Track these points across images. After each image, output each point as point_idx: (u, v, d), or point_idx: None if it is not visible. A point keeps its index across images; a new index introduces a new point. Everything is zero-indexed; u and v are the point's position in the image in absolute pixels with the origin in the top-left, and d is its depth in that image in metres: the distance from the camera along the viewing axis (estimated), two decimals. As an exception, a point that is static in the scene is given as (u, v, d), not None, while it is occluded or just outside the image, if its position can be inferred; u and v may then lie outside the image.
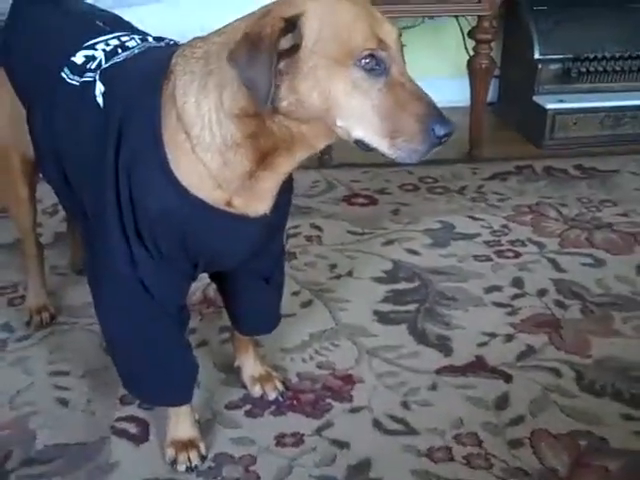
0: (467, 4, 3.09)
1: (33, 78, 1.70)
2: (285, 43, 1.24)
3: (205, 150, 1.36)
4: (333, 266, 2.43)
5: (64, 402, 1.83)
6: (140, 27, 1.82)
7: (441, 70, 3.74)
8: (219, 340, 2.05)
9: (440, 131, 1.23)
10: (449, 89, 3.57)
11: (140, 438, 1.73)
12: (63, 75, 1.60)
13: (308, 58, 1.25)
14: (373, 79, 1.24)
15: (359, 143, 1.29)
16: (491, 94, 3.50)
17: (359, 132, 1.27)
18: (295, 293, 2.27)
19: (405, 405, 1.83)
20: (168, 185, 1.38)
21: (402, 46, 1.30)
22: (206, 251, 1.49)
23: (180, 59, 1.39)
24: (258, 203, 1.43)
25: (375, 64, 1.24)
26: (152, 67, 1.45)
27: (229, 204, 1.41)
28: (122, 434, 1.73)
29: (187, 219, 1.41)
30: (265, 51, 1.22)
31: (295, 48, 1.25)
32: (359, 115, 1.26)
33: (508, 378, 1.91)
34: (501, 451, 1.68)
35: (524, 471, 1.63)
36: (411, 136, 1.23)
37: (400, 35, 1.30)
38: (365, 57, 1.23)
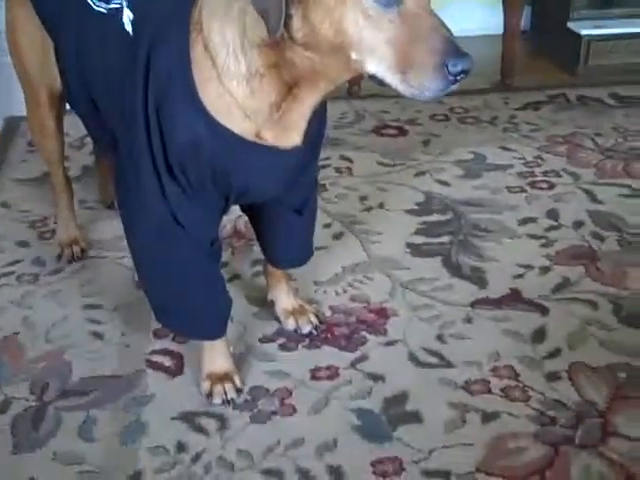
0: None
1: (59, 8, 1.66)
2: None
3: (231, 79, 1.33)
4: (364, 198, 2.39)
5: (98, 335, 1.83)
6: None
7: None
8: (251, 273, 2.04)
9: (456, 67, 1.14)
10: (481, 16, 3.49)
11: (175, 371, 1.72)
12: (89, 2, 1.55)
13: None
14: (385, 9, 1.17)
15: (373, 78, 1.23)
16: (524, 22, 3.40)
17: (371, 66, 1.21)
18: (326, 225, 2.24)
19: (440, 338, 1.81)
20: (197, 114, 1.35)
21: None
22: (237, 183, 1.46)
23: None
24: (288, 135, 1.40)
25: None
26: None
27: (259, 136, 1.38)
28: (157, 367, 1.73)
29: (216, 150, 1.38)
30: None
31: None
32: (370, 48, 1.19)
33: (544, 311, 1.89)
34: (539, 384, 1.67)
35: (562, 403, 1.61)
36: (424, 71, 1.16)
37: None
38: None
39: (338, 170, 2.55)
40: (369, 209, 2.33)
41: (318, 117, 1.46)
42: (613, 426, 1.56)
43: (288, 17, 1.21)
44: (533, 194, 2.41)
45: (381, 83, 1.23)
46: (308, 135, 1.43)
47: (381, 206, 2.35)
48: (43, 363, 1.74)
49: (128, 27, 1.47)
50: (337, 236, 2.20)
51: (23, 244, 2.18)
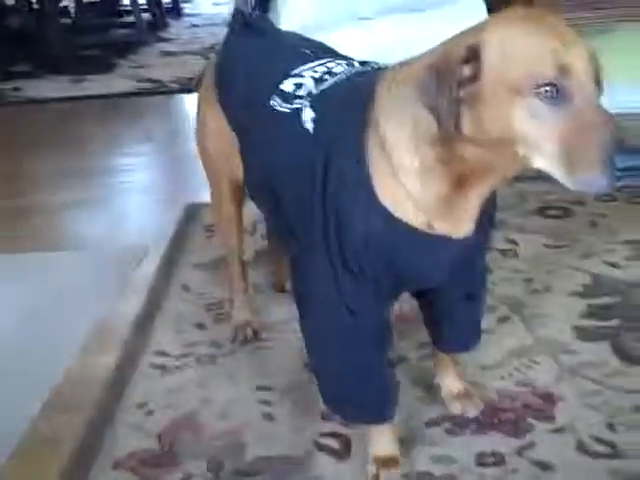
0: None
1: (244, 108, 1.79)
2: (466, 71, 1.26)
3: (405, 174, 1.40)
4: (529, 280, 2.39)
5: (269, 416, 1.91)
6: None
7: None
8: (417, 356, 2.07)
9: (622, 164, 1.18)
10: None
11: (342, 453, 1.77)
12: (273, 103, 1.67)
13: (488, 87, 1.26)
14: (552, 109, 1.22)
15: (541, 172, 1.27)
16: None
17: (539, 161, 1.26)
18: (491, 308, 2.24)
19: (611, 427, 1.77)
20: (373, 208, 1.43)
21: (597, 68, 1.26)
22: (409, 272, 1.52)
23: (384, 84, 1.44)
24: (458, 225, 1.45)
25: (555, 93, 1.22)
26: (358, 92, 1.50)
27: (430, 226, 1.43)
28: (325, 449, 1.78)
29: (391, 242, 1.45)
30: (446, 79, 1.25)
31: (476, 76, 1.26)
32: (537, 144, 1.24)
33: None
34: None
35: None
36: (590, 168, 1.20)
37: (594, 57, 1.26)
38: (543, 86, 1.22)
39: (503, 252, 2.56)
40: (535, 291, 2.33)
41: (489, 205, 1.50)
42: None
43: (458, 114, 1.28)
44: None
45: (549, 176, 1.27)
46: (479, 222, 1.48)
47: (547, 289, 2.34)
48: (219, 442, 1.83)
49: (309, 125, 1.57)
50: (502, 319, 2.20)
51: (200, 326, 2.32)
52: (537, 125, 1.23)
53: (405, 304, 2.19)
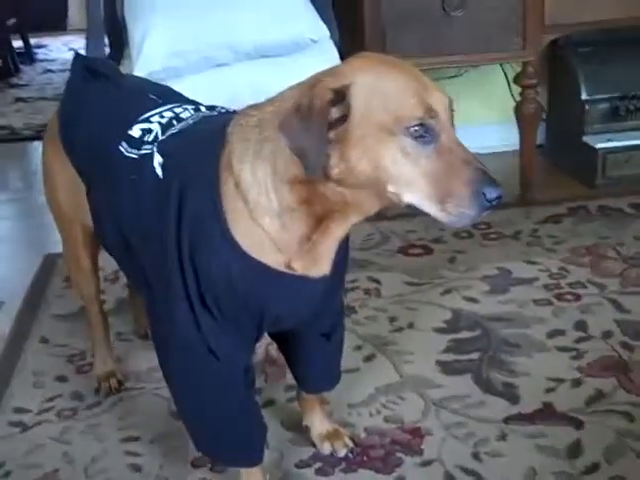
0: (511, 51, 3.11)
1: (91, 154, 1.76)
2: (334, 113, 1.28)
3: (263, 215, 1.39)
4: (393, 319, 2.43)
5: (137, 467, 1.85)
6: (192, 96, 1.88)
7: (489, 117, 3.75)
8: (285, 399, 2.06)
9: (491, 194, 1.25)
10: (498, 134, 3.60)
11: (213, 501, 1.74)
12: (121, 149, 1.65)
13: (357, 128, 1.28)
14: (422, 147, 1.27)
15: (411, 207, 1.32)
16: (539, 136, 3.51)
17: (410, 198, 1.30)
18: (357, 347, 2.28)
19: (476, 456, 1.81)
20: (230, 251, 1.42)
21: (452, 112, 1.33)
22: (269, 313, 1.51)
23: (236, 127, 1.44)
24: (317, 265, 1.45)
25: (424, 132, 1.27)
26: (208, 136, 1.50)
27: (289, 266, 1.43)
28: (196, 498, 1.75)
29: (249, 282, 1.44)
30: (315, 122, 1.26)
31: (344, 117, 1.29)
32: (409, 182, 1.29)
33: (579, 424, 1.89)
34: (578, 500, 1.66)
35: (603, 520, 1.60)
36: (461, 201, 1.26)
37: (451, 102, 1.33)
38: (414, 126, 1.26)
39: (366, 292, 2.60)
40: (399, 329, 2.37)
41: (343, 244, 1.52)
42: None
43: (327, 157, 1.30)
44: (560, 306, 2.44)
45: (418, 211, 1.31)
46: (335, 264, 1.50)
47: (410, 326, 2.38)
48: (83, 499, 1.77)
49: (159, 171, 1.55)
50: (368, 358, 2.23)
51: (62, 379, 2.23)
52: (408, 163, 1.27)
53: (272, 346, 2.19)
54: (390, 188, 1.30)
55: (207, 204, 1.43)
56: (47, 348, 2.40)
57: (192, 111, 1.70)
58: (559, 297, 2.49)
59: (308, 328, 1.69)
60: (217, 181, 1.42)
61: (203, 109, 1.72)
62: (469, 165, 1.27)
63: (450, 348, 2.26)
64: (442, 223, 1.29)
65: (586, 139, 3.39)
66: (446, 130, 1.29)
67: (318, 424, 1.88)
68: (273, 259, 1.43)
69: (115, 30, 3.04)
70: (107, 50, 3.11)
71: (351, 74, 1.31)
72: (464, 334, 2.32)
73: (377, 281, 2.67)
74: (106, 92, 1.83)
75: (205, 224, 1.43)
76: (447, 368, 2.16)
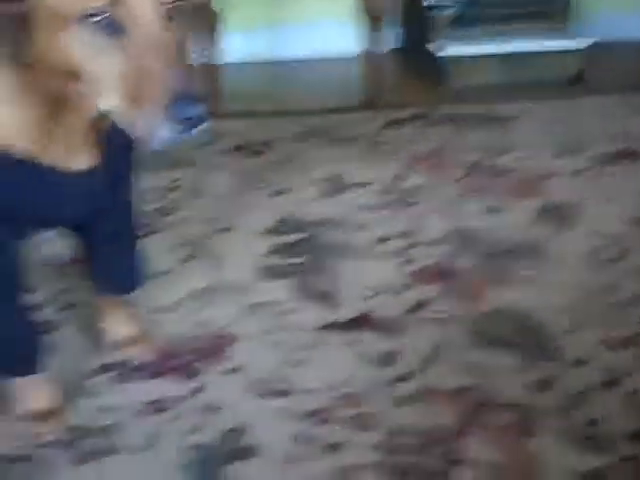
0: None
1: None
2: None
3: None
4: (214, 220, 2.27)
5: None
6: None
7: (334, 15, 3.57)
8: (89, 302, 1.88)
9: (182, 111, 1.05)
10: (345, 36, 3.43)
11: (-10, 410, 1.56)
12: None
13: (39, 12, 1.09)
14: (106, 41, 1.07)
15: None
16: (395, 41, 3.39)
17: (101, 102, 1.12)
18: (173, 248, 2.12)
19: (284, 364, 1.70)
20: None
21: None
22: (26, 208, 1.33)
23: None
24: (69, 157, 1.29)
25: (108, 22, 1.06)
26: None
27: (33, 156, 1.25)
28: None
29: None
30: None
31: None
32: (95, 82, 1.10)
33: (397, 333, 1.80)
34: (385, 410, 1.57)
35: (410, 430, 1.52)
36: (147, 113, 1.06)
37: None
38: (93, 13, 1.06)
39: (188, 192, 2.43)
40: (220, 231, 2.22)
41: (115, 139, 1.32)
42: (463, 452, 1.47)
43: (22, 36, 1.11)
44: (392, 212, 2.34)
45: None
46: (104, 158, 1.33)
47: (233, 228, 2.23)
48: None
49: None
50: (184, 260, 2.08)
51: None
52: (91, 59, 1.08)
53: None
54: (82, 87, 1.11)
55: None
56: None
57: None
58: (393, 203, 2.39)
59: (92, 228, 1.53)
60: None
61: None
62: (166, 72, 1.06)
63: (272, 252, 2.12)
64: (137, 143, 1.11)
65: (431, 46, 3.27)
66: (143, 22, 1.07)
67: (118, 328, 1.73)
68: (17, 147, 1.24)
69: None
70: None
71: None
72: (288, 238, 2.19)
73: (202, 181, 2.49)
74: None
75: None
76: (266, 273, 2.03)
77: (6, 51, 1.12)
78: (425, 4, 3.25)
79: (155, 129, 1.06)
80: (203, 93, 1.11)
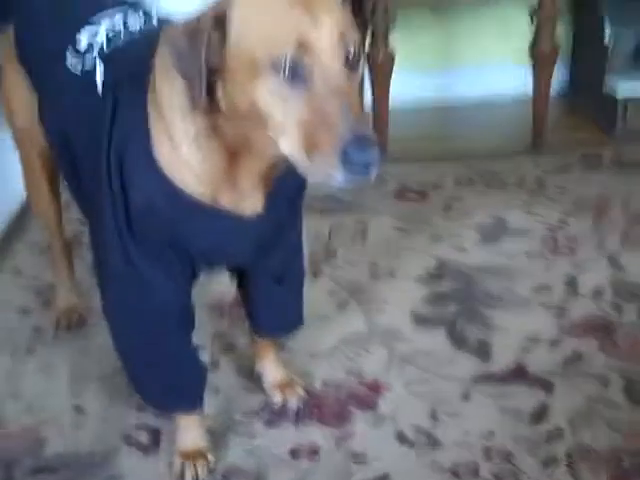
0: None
1: (40, 65, 1.66)
2: (215, 39, 1.16)
3: (181, 141, 1.30)
4: (374, 265, 2.31)
5: (80, 409, 1.78)
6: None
7: (505, 56, 3.53)
8: (245, 344, 1.96)
9: (358, 157, 1.08)
10: (514, 77, 3.40)
11: (150, 448, 1.66)
12: (68, 64, 1.55)
13: (232, 58, 1.17)
14: (291, 87, 1.12)
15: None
16: (562, 83, 3.34)
17: (282, 145, 1.17)
18: (331, 293, 2.17)
19: (433, 416, 1.70)
20: (153, 175, 1.33)
21: (350, 45, 1.15)
22: (196, 247, 1.42)
23: (162, 45, 1.32)
24: (245, 201, 1.36)
25: (294, 71, 1.12)
26: (142, 54, 1.38)
27: (215, 200, 1.34)
28: (133, 443, 1.67)
29: (173, 210, 1.35)
30: (194, 45, 1.15)
31: (223, 45, 1.17)
32: (279, 127, 1.15)
33: (550, 388, 1.77)
34: (533, 468, 1.55)
35: (556, 491, 1.49)
36: (325, 159, 1.10)
37: (343, 36, 1.14)
38: (283, 62, 1.11)
39: (351, 236, 2.48)
40: (378, 276, 2.25)
41: (285, 184, 1.40)
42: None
43: (212, 86, 1.19)
44: (553, 260, 2.29)
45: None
46: (274, 203, 1.39)
47: (391, 273, 2.26)
48: (18, 438, 1.70)
49: (99, 86, 1.46)
50: (341, 305, 2.12)
51: (25, 311, 2.16)
52: (276, 105, 1.14)
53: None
54: (269, 132, 1.17)
55: (134, 125, 1.35)
56: (18, 279, 2.33)
57: (142, 21, 1.59)
58: (553, 251, 2.34)
59: (256, 269, 1.61)
60: (144, 102, 1.33)
61: (154, 20, 1.61)
62: (344, 117, 1.10)
63: (428, 298, 2.14)
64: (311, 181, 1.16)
65: (605, 85, 3.16)
66: (326, 70, 1.12)
67: (271, 371, 1.80)
68: (196, 189, 1.33)
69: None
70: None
71: None
72: (445, 285, 2.20)
73: (364, 224, 2.54)
74: None
75: (131, 145, 1.35)
76: (421, 320, 2.05)
77: (193, 97, 1.20)
78: (606, 36, 3.14)
79: (330, 173, 1.11)
80: (377, 137, 1.15)
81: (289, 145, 1.15)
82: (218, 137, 1.27)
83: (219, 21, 1.16)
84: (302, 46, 1.11)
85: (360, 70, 1.21)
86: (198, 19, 1.17)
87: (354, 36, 1.17)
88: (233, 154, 1.29)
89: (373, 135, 1.12)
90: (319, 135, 1.11)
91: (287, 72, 1.11)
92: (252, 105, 1.16)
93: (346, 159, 1.08)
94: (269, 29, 1.13)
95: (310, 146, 1.12)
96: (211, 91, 1.21)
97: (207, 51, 1.15)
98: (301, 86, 1.12)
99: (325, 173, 1.12)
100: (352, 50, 1.16)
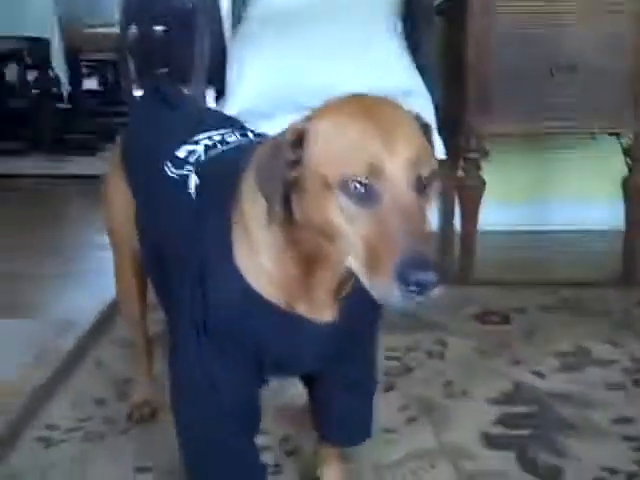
0: (623, 120, 2.94)
1: (141, 174, 1.77)
2: (292, 155, 1.23)
3: (261, 250, 1.37)
4: (449, 383, 2.28)
5: (140, 498, 1.80)
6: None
7: (601, 192, 3.55)
8: (312, 450, 1.95)
9: (416, 277, 1.10)
10: (604, 209, 3.39)
11: (203, 543, 1.64)
12: (166, 169, 1.64)
13: (308, 174, 1.23)
14: (360, 207, 1.17)
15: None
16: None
17: (348, 260, 1.21)
18: (403, 408, 2.15)
19: (493, 540, 1.65)
20: (235, 281, 1.38)
21: (422, 175, 1.19)
22: (269, 351, 1.45)
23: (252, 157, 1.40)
24: (318, 308, 1.40)
25: (364, 192, 1.17)
26: (235, 162, 1.47)
27: (290, 306, 1.39)
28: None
29: (251, 315, 1.39)
30: (274, 161, 1.23)
31: (300, 162, 1.24)
32: (346, 243, 1.20)
33: (620, 521, 1.69)
34: None
35: None
36: (385, 277, 1.13)
37: (414, 164, 1.18)
38: (352, 183, 1.17)
39: (429, 353, 2.47)
40: (451, 395, 2.22)
41: (363, 294, 1.42)
42: None
43: (288, 200, 1.27)
44: (635, 393, 2.22)
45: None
46: (350, 311, 1.43)
47: (464, 393, 2.23)
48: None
49: (192, 192, 1.54)
50: (410, 420, 2.09)
51: (100, 402, 2.22)
52: (344, 223, 1.19)
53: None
54: (338, 245, 1.22)
55: (220, 230, 1.41)
56: (99, 371, 2.40)
57: (239, 136, 1.68)
58: (636, 383, 2.27)
59: (327, 376, 1.62)
60: (230, 213, 1.41)
61: (250, 135, 1.71)
62: (406, 238, 1.13)
63: (500, 421, 2.09)
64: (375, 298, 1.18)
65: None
66: (394, 193, 1.16)
67: (330, 478, 1.77)
68: (274, 296, 1.38)
69: (219, 70, 3.09)
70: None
71: (315, 117, 1.25)
72: (519, 408, 2.15)
73: (443, 344, 2.53)
74: (167, 117, 1.84)
75: (214, 249, 1.41)
76: (491, 441, 2.00)
77: (270, 210, 1.26)
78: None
79: (387, 291, 1.14)
80: (439, 259, 1.18)
81: (354, 261, 1.20)
82: (294, 248, 1.34)
83: (299, 137, 1.23)
84: (374, 170, 1.16)
85: (432, 195, 1.24)
86: (281, 135, 1.25)
87: (429, 162, 1.21)
88: (308, 264, 1.35)
89: (433, 257, 1.14)
90: (380, 254, 1.14)
91: (357, 193, 1.17)
92: (324, 220, 1.21)
93: (402, 279, 1.11)
94: (343, 150, 1.19)
95: (372, 264, 1.16)
96: (288, 204, 1.28)
97: (285, 166, 1.23)
98: (369, 206, 1.17)
99: (383, 291, 1.15)
100: (425, 175, 1.20)
